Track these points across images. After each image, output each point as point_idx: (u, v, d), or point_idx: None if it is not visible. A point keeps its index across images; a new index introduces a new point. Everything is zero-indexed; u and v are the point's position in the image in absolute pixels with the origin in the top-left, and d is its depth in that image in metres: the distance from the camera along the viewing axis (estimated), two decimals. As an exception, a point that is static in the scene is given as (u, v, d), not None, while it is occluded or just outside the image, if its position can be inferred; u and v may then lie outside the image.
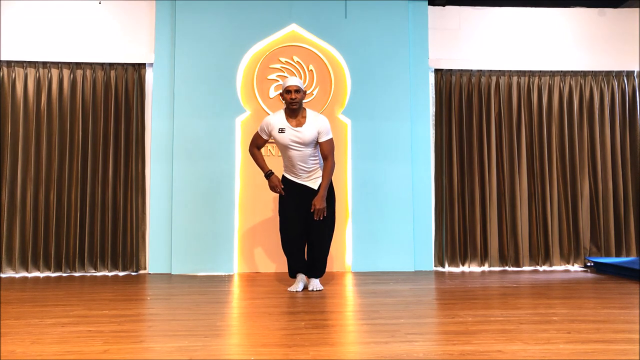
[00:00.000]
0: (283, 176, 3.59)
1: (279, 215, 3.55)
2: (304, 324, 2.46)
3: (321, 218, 3.42)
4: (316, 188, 3.48)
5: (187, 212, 4.50)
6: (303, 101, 3.52)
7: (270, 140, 3.75)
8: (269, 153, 4.61)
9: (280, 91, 3.52)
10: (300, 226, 3.49)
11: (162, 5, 4.68)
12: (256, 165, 3.77)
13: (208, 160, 4.57)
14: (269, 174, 3.54)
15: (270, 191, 3.64)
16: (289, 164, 3.52)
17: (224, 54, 4.65)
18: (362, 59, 4.75)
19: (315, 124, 3.42)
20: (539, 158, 4.90)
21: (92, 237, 4.51)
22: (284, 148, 3.47)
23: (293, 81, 3.42)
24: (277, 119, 3.47)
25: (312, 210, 3.42)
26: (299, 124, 3.43)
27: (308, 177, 3.50)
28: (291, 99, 3.38)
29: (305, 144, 3.42)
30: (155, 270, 4.50)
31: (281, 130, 3.42)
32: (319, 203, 3.39)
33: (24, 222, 4.47)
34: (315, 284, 3.55)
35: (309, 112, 3.49)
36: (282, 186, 3.51)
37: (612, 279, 4.13)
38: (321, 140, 3.44)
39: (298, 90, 3.40)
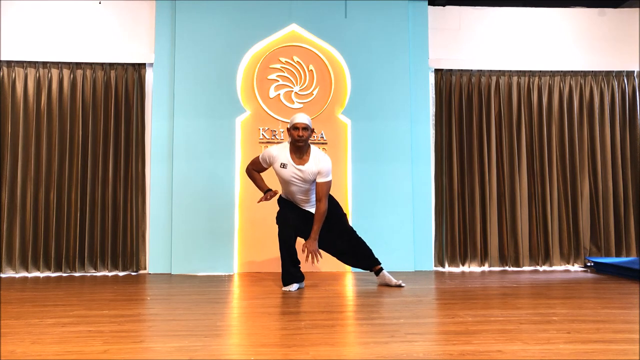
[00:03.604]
0: (281, 197, 3.63)
1: (277, 223, 3.55)
2: (304, 324, 2.46)
3: (316, 262, 3.44)
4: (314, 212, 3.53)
5: (187, 212, 4.50)
6: (309, 139, 3.50)
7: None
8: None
9: (288, 126, 3.49)
10: (297, 234, 3.54)
11: (162, 5, 4.68)
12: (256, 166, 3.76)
13: (208, 160, 4.57)
14: (266, 191, 3.57)
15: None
16: (288, 194, 3.56)
17: (224, 54, 4.65)
18: (362, 59, 4.75)
19: (317, 164, 3.42)
20: (539, 158, 4.90)
21: (92, 237, 4.51)
22: (284, 181, 3.49)
23: (301, 118, 3.40)
24: (281, 152, 3.45)
25: (303, 252, 3.45)
26: (302, 162, 3.42)
27: (308, 205, 3.57)
28: (298, 136, 3.37)
29: (305, 181, 3.45)
30: (155, 270, 4.50)
31: (283, 166, 3.42)
32: (311, 245, 3.42)
33: (24, 222, 4.47)
34: (390, 278, 3.64)
35: (313, 151, 3.47)
36: (272, 191, 3.56)
37: (612, 279, 4.13)
38: (319, 180, 3.43)
39: (306, 128, 3.38)
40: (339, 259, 3.77)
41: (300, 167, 3.41)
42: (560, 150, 4.94)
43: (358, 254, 3.68)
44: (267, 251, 4.54)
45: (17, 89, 4.57)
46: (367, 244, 3.70)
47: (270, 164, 3.51)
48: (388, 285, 3.64)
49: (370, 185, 4.66)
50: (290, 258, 3.50)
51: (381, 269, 3.70)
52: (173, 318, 2.61)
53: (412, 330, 2.31)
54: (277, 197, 3.66)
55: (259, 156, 3.59)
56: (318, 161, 3.42)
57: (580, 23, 5.10)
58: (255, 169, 3.63)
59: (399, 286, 3.59)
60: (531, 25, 5.07)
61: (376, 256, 3.72)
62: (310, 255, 3.42)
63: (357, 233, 3.72)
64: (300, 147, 3.41)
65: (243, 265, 4.56)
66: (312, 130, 3.47)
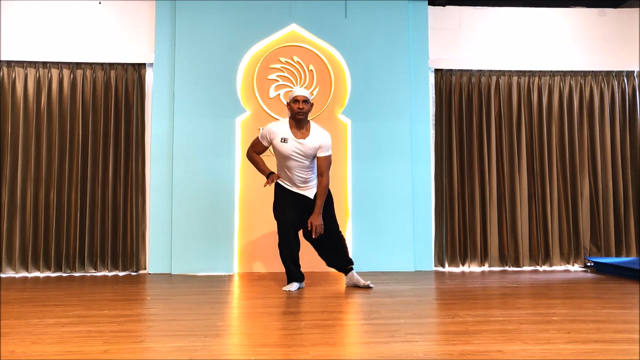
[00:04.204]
0: (278, 184, 3.58)
1: (276, 218, 3.55)
2: (304, 324, 2.46)
3: (321, 233, 3.44)
4: (312, 197, 3.50)
5: (187, 212, 4.50)
6: (309, 113, 3.50)
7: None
8: (269, 152, 4.61)
9: (287, 100, 3.51)
10: (296, 229, 3.52)
11: (162, 5, 4.68)
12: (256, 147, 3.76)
13: (208, 160, 4.57)
14: (269, 175, 3.54)
15: (268, 188, 3.64)
16: (287, 173, 3.51)
17: (224, 54, 4.65)
18: (362, 59, 4.75)
19: (318, 138, 3.42)
20: (539, 158, 4.90)
21: (92, 237, 4.51)
22: (283, 157, 3.45)
23: (301, 91, 3.43)
24: (281, 127, 3.45)
25: (309, 229, 3.45)
26: (303, 136, 3.42)
27: (305, 186, 3.52)
28: (299, 108, 3.38)
29: (306, 156, 3.42)
30: (155, 270, 4.50)
31: (284, 140, 3.41)
32: (316, 220, 3.42)
33: (24, 222, 4.47)
34: (358, 279, 3.58)
35: (313, 125, 3.49)
36: (277, 175, 3.52)
37: (612, 279, 4.13)
38: (320, 154, 3.44)
39: (306, 100, 3.40)
40: (319, 253, 3.69)
41: (301, 140, 3.40)
42: (560, 150, 4.94)
43: (339, 253, 3.65)
44: (267, 251, 4.54)
45: (17, 89, 4.57)
46: (345, 243, 3.70)
47: (270, 141, 3.48)
48: (356, 285, 3.59)
49: (370, 185, 4.66)
50: (291, 256, 3.50)
51: (351, 269, 3.66)
52: (173, 318, 2.61)
53: (412, 330, 2.32)
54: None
55: (257, 136, 3.58)
56: (319, 135, 3.44)
57: (580, 23, 5.10)
58: (255, 151, 3.61)
59: (368, 287, 3.55)
60: (531, 25, 5.07)
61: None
62: (315, 229, 3.40)
63: (338, 230, 3.70)
64: (300, 120, 3.41)
65: (243, 265, 4.56)
66: (312, 105, 3.50)
